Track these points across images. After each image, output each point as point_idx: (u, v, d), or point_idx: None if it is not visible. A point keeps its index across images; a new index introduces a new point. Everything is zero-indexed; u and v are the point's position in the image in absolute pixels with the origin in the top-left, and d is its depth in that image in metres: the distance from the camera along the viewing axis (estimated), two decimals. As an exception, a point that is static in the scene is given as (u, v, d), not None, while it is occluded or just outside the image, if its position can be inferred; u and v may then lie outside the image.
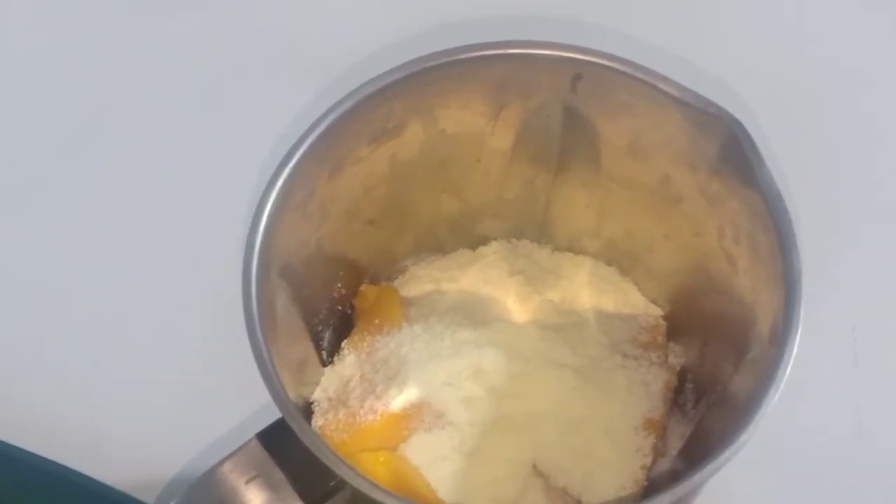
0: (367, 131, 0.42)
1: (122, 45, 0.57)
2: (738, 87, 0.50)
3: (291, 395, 0.38)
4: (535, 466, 0.43)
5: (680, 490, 0.36)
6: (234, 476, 0.38)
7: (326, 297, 0.46)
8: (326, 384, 0.44)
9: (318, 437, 0.37)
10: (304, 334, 0.44)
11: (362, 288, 0.47)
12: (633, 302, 0.48)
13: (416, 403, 0.43)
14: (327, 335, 0.46)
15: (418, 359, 0.44)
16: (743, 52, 0.56)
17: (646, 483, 0.43)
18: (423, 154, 0.44)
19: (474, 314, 0.46)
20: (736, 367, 0.41)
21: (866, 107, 0.55)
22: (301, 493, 0.38)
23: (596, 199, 0.46)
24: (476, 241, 0.49)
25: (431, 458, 0.42)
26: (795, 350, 0.37)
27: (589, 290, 0.48)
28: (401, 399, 0.43)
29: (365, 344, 0.45)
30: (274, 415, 0.38)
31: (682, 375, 0.46)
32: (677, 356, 0.46)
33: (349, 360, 0.44)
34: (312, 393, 0.44)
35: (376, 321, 0.45)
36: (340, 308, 0.46)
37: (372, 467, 0.41)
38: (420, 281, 0.48)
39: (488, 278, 0.47)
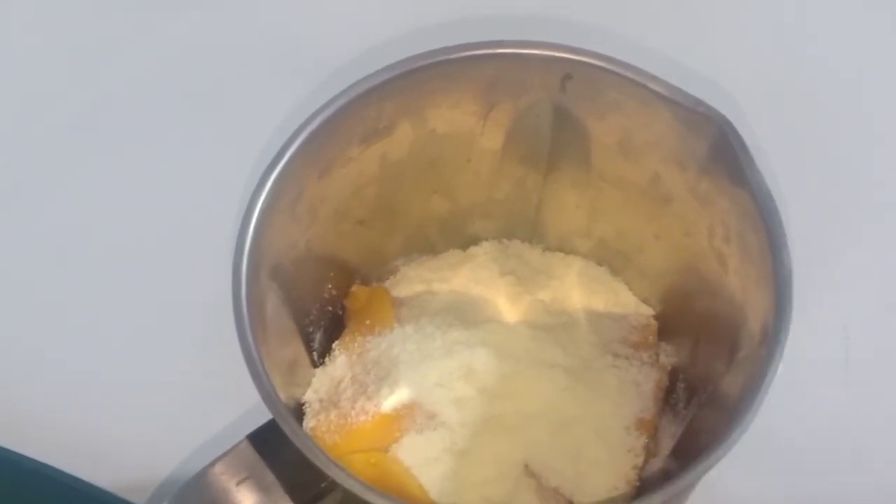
0: (357, 131, 0.42)
1: (109, 46, 0.57)
2: (727, 86, 0.50)
3: (282, 396, 0.38)
4: (526, 466, 0.43)
5: (671, 490, 0.36)
6: (225, 477, 0.38)
7: (317, 297, 0.46)
8: (318, 385, 0.44)
9: (309, 439, 0.37)
10: (295, 335, 0.44)
11: (353, 289, 0.47)
12: (623, 302, 0.48)
13: (407, 404, 0.43)
14: (318, 336, 0.46)
15: (409, 359, 0.44)
16: (733, 52, 0.56)
17: (637, 483, 0.43)
18: (414, 154, 0.44)
19: (465, 315, 0.46)
20: (727, 367, 0.41)
21: (856, 106, 0.55)
22: (292, 495, 0.38)
23: (586, 198, 0.46)
24: (467, 242, 0.49)
25: (423, 459, 0.42)
26: (786, 349, 0.37)
27: (580, 290, 0.48)
28: (392, 400, 0.43)
29: (356, 345, 0.45)
30: (265, 416, 0.38)
31: (674, 375, 0.46)
32: (668, 356, 0.46)
33: (340, 361, 0.44)
34: (304, 394, 0.44)
35: (367, 322, 0.45)
36: (331, 309, 0.46)
37: (363, 468, 0.41)
38: (411, 281, 0.48)
39: (479, 279, 0.47)
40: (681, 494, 0.37)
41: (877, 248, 0.53)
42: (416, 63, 0.41)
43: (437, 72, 0.42)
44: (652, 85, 0.41)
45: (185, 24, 0.58)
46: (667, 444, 0.44)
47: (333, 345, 0.45)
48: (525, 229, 0.49)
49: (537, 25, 0.49)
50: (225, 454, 0.39)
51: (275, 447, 0.38)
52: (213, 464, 0.39)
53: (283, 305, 0.42)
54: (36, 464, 0.45)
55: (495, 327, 0.45)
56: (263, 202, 0.39)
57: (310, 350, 0.45)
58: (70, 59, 0.57)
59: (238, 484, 0.38)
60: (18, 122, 0.56)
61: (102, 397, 0.48)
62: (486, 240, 0.49)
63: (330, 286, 0.46)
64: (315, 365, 0.45)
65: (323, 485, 0.38)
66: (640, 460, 0.43)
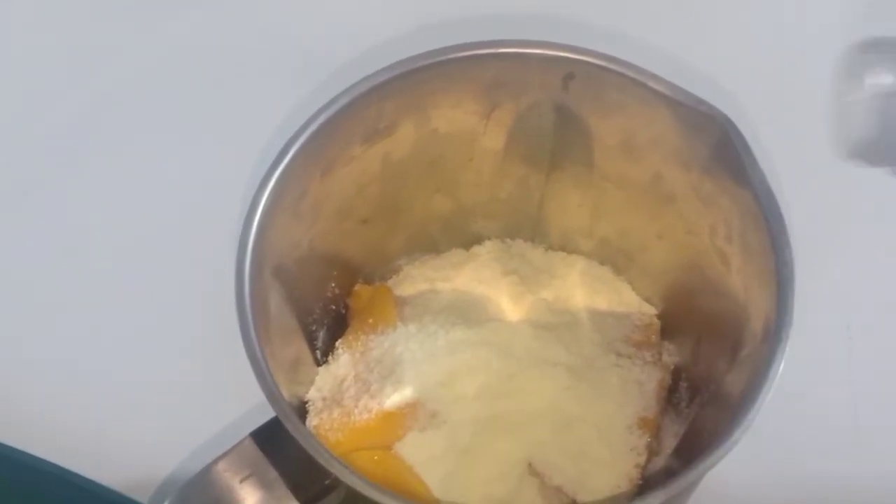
0: (359, 130, 0.42)
1: (110, 46, 0.57)
2: (729, 85, 0.50)
3: (285, 394, 0.38)
4: (529, 465, 0.43)
5: (673, 488, 0.36)
6: (228, 475, 0.38)
7: (320, 296, 0.46)
8: (321, 383, 0.44)
9: (311, 436, 0.37)
10: (299, 334, 0.44)
11: (356, 287, 0.47)
12: (626, 301, 0.48)
13: (410, 402, 0.43)
14: (321, 335, 0.46)
15: (412, 358, 0.44)
16: (735, 51, 0.56)
17: (640, 482, 0.43)
18: (416, 153, 0.44)
19: (468, 313, 0.46)
20: (729, 366, 0.41)
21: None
22: (295, 492, 0.38)
23: (589, 198, 0.47)
24: (470, 241, 0.49)
25: (426, 457, 0.42)
26: (788, 348, 0.37)
27: (582, 289, 0.48)
28: (395, 398, 0.43)
29: (359, 343, 0.45)
30: (268, 414, 0.38)
31: (676, 374, 0.46)
32: (671, 355, 0.46)
33: (343, 360, 0.44)
34: (307, 392, 0.44)
35: (370, 320, 0.45)
36: (335, 307, 0.46)
37: (366, 466, 0.41)
38: (414, 280, 0.48)
39: (482, 278, 0.47)
40: (683, 493, 0.37)
41: (879, 247, 0.52)
42: (418, 63, 0.41)
43: (439, 71, 0.42)
44: (654, 84, 0.41)
45: (187, 23, 0.58)
46: (669, 442, 0.44)
47: (337, 343, 0.45)
48: (528, 229, 0.49)
49: (539, 25, 0.49)
50: (228, 452, 0.39)
51: (278, 445, 0.38)
52: (216, 461, 0.39)
53: (287, 304, 0.42)
54: (40, 462, 0.45)
55: (498, 326, 0.45)
56: (266, 201, 0.39)
57: (313, 348, 0.45)
58: (71, 58, 0.57)
59: (241, 481, 0.38)
60: (19, 123, 0.56)
61: (106, 395, 0.49)
62: (489, 239, 0.49)
63: (333, 285, 0.46)
64: (318, 363, 0.45)
65: (326, 482, 0.38)
66: (642, 459, 0.43)
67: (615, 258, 0.48)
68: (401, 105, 0.42)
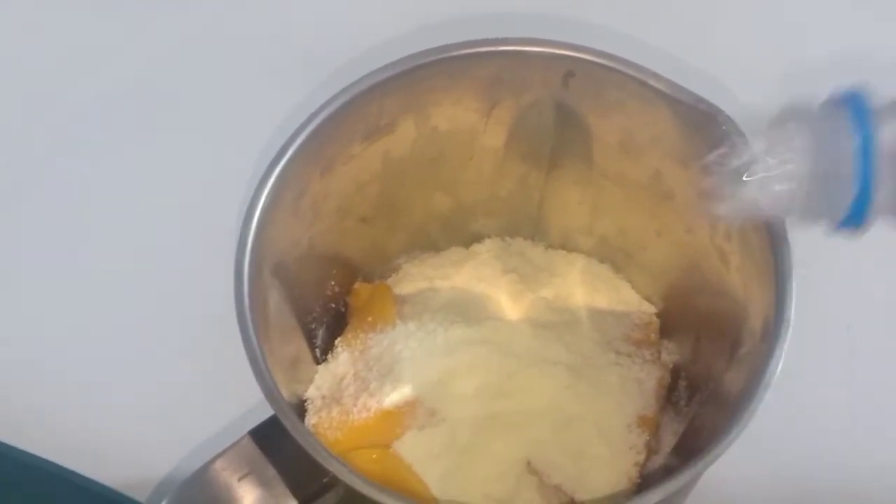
0: (359, 129, 0.42)
1: (110, 45, 0.57)
2: (729, 83, 0.50)
3: (284, 392, 0.38)
4: (528, 464, 0.43)
5: (671, 486, 0.36)
6: (226, 473, 0.39)
7: (320, 294, 0.46)
8: (320, 382, 0.44)
9: (310, 434, 0.37)
10: (298, 332, 0.44)
11: (356, 286, 0.47)
12: (626, 299, 0.48)
13: (409, 401, 0.43)
14: (321, 333, 0.46)
15: (412, 356, 0.44)
16: (734, 49, 0.56)
17: (639, 480, 0.43)
18: (416, 151, 0.44)
19: (468, 312, 0.46)
20: (728, 364, 0.41)
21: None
22: (293, 490, 0.38)
23: (589, 196, 0.47)
24: (469, 239, 0.49)
25: (424, 456, 0.42)
26: (787, 346, 0.37)
27: (582, 287, 0.48)
28: (394, 396, 0.43)
29: (358, 342, 0.45)
30: (266, 412, 0.38)
31: (676, 372, 0.46)
32: (670, 353, 0.46)
33: (343, 358, 0.45)
34: (306, 391, 0.44)
35: (370, 319, 0.45)
36: (334, 306, 0.46)
37: (365, 464, 0.41)
38: (413, 279, 0.48)
39: (482, 276, 0.47)
40: (681, 491, 0.37)
41: (879, 244, 0.52)
42: (418, 60, 0.41)
43: (439, 69, 0.42)
44: (653, 82, 0.41)
45: (186, 23, 0.58)
46: (668, 441, 0.44)
47: (336, 341, 0.45)
48: (527, 227, 0.49)
49: (539, 23, 0.49)
50: (227, 450, 0.39)
51: (276, 443, 0.38)
52: (214, 460, 0.39)
53: (286, 302, 0.42)
54: (38, 460, 0.45)
55: (497, 325, 0.45)
56: (266, 199, 0.39)
57: (312, 347, 0.45)
58: (69, 58, 0.57)
59: (240, 480, 0.38)
60: (19, 123, 0.56)
61: (105, 395, 0.49)
62: (489, 237, 0.49)
63: (333, 283, 0.46)
64: (317, 362, 0.45)
65: (325, 480, 0.38)
66: (641, 457, 0.43)
67: (615, 256, 0.48)
68: (401, 103, 0.42)
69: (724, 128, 0.40)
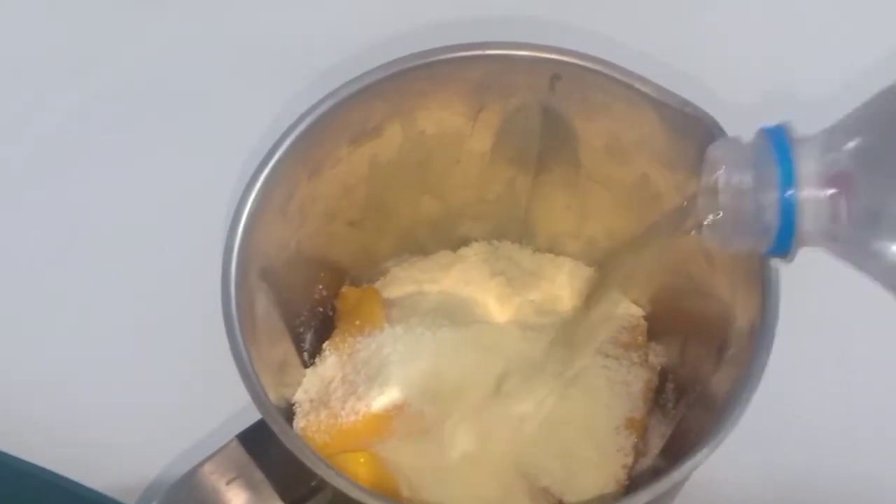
0: (346, 132, 0.42)
1: (98, 47, 0.57)
2: (715, 87, 0.50)
3: (272, 396, 0.38)
4: (516, 467, 0.43)
5: (658, 488, 0.36)
6: (214, 477, 0.39)
7: (307, 298, 0.46)
8: (308, 385, 0.44)
9: (297, 438, 0.37)
10: (285, 336, 0.44)
11: (343, 289, 0.47)
12: (613, 302, 0.48)
13: (397, 404, 0.43)
14: (309, 337, 0.46)
15: (400, 360, 0.44)
16: (720, 53, 0.56)
17: (627, 482, 0.43)
18: (403, 155, 0.44)
19: (456, 315, 0.46)
20: (716, 366, 0.41)
21: (843, 105, 0.55)
22: (282, 494, 0.38)
23: (576, 199, 0.47)
24: (457, 243, 0.49)
25: (413, 459, 0.43)
26: (773, 347, 0.37)
27: (569, 290, 0.48)
28: (382, 400, 0.43)
29: (346, 345, 0.45)
30: (254, 416, 0.38)
31: (663, 375, 0.46)
32: (658, 356, 0.46)
33: (330, 362, 0.45)
34: (294, 394, 0.44)
35: (357, 322, 0.45)
36: (322, 310, 0.47)
37: (353, 468, 0.41)
38: (401, 282, 0.48)
39: (469, 279, 0.48)
40: (669, 493, 0.37)
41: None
42: (405, 64, 0.41)
43: (426, 73, 0.42)
44: (640, 86, 0.41)
45: (176, 25, 0.58)
46: (656, 443, 0.44)
47: (324, 345, 0.45)
48: (515, 230, 0.49)
49: (525, 27, 0.49)
50: (214, 454, 0.39)
51: (264, 447, 0.38)
52: (202, 463, 0.39)
53: (274, 306, 0.42)
54: (26, 465, 0.45)
55: (485, 328, 0.46)
56: (253, 202, 0.39)
57: (300, 350, 0.45)
58: (60, 59, 0.57)
59: (228, 483, 0.38)
60: (11, 123, 0.56)
61: (92, 399, 0.48)
62: (477, 241, 0.49)
63: (320, 287, 0.46)
64: (305, 365, 0.45)
65: (313, 484, 0.38)
66: (629, 460, 0.43)
67: (602, 259, 0.48)
68: (388, 107, 0.42)
69: (710, 131, 0.40)
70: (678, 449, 0.41)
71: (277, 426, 0.36)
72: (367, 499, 0.35)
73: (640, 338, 0.47)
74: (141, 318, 0.50)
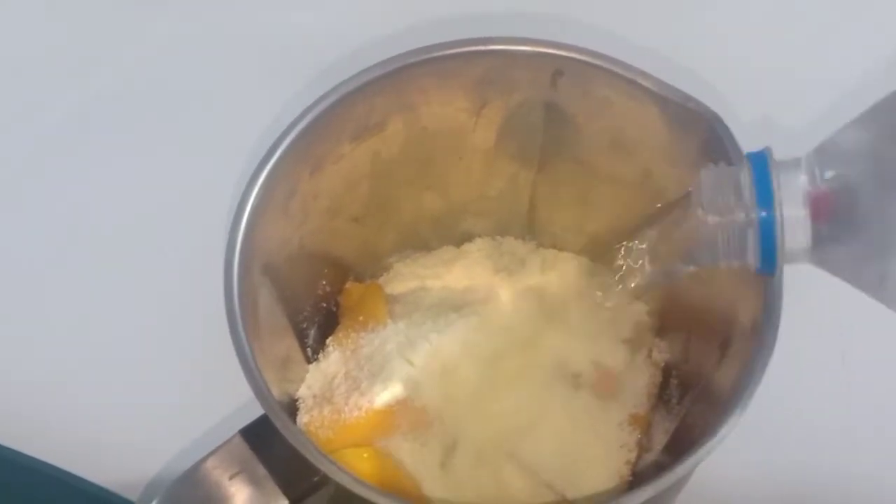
0: (348, 128, 0.42)
1: (99, 45, 0.57)
2: (717, 82, 0.50)
3: (275, 391, 0.38)
4: (519, 462, 0.43)
5: (661, 483, 0.36)
6: (217, 472, 0.39)
7: (311, 294, 0.46)
8: (311, 381, 0.44)
9: (300, 433, 0.37)
10: (289, 331, 0.44)
11: (347, 285, 0.47)
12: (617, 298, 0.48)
13: (400, 400, 0.43)
14: (312, 332, 0.46)
15: (403, 355, 0.44)
16: (723, 48, 0.56)
17: (630, 478, 0.43)
18: (406, 151, 0.44)
19: (459, 311, 0.46)
20: (719, 362, 0.41)
21: (845, 102, 0.55)
22: (284, 489, 0.38)
23: (578, 194, 0.47)
24: (460, 239, 0.49)
25: (416, 455, 0.43)
26: (783, 345, 0.37)
27: (573, 286, 0.48)
28: (385, 396, 0.43)
29: (350, 341, 0.45)
30: (257, 411, 0.38)
31: (667, 371, 0.46)
32: (662, 352, 0.46)
33: (334, 357, 0.45)
34: (297, 390, 0.44)
35: (361, 318, 0.45)
36: (325, 305, 0.47)
37: (356, 463, 0.41)
38: (405, 278, 0.48)
39: (473, 275, 0.48)
40: (672, 489, 0.37)
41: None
42: (407, 60, 0.41)
43: (428, 69, 0.42)
44: (642, 81, 0.41)
45: (176, 23, 0.58)
46: (660, 439, 0.44)
47: (327, 341, 0.45)
48: (518, 226, 0.49)
49: (528, 22, 0.49)
50: (217, 449, 0.39)
51: (267, 442, 0.38)
52: (205, 458, 0.39)
53: (277, 302, 0.42)
54: (29, 459, 0.45)
55: (489, 324, 0.45)
56: (255, 199, 0.40)
57: (303, 346, 0.45)
58: (60, 59, 0.57)
59: (231, 478, 0.38)
60: (11, 123, 0.56)
61: (95, 396, 0.49)
62: (480, 237, 0.49)
63: (324, 283, 0.46)
64: (309, 361, 0.45)
65: (315, 479, 0.38)
66: (632, 455, 0.43)
67: (605, 255, 0.48)
68: (390, 102, 0.42)
69: (712, 126, 0.40)
70: (682, 445, 0.41)
71: (280, 422, 0.36)
72: (369, 494, 0.35)
73: (644, 334, 0.47)
74: (144, 317, 0.50)
